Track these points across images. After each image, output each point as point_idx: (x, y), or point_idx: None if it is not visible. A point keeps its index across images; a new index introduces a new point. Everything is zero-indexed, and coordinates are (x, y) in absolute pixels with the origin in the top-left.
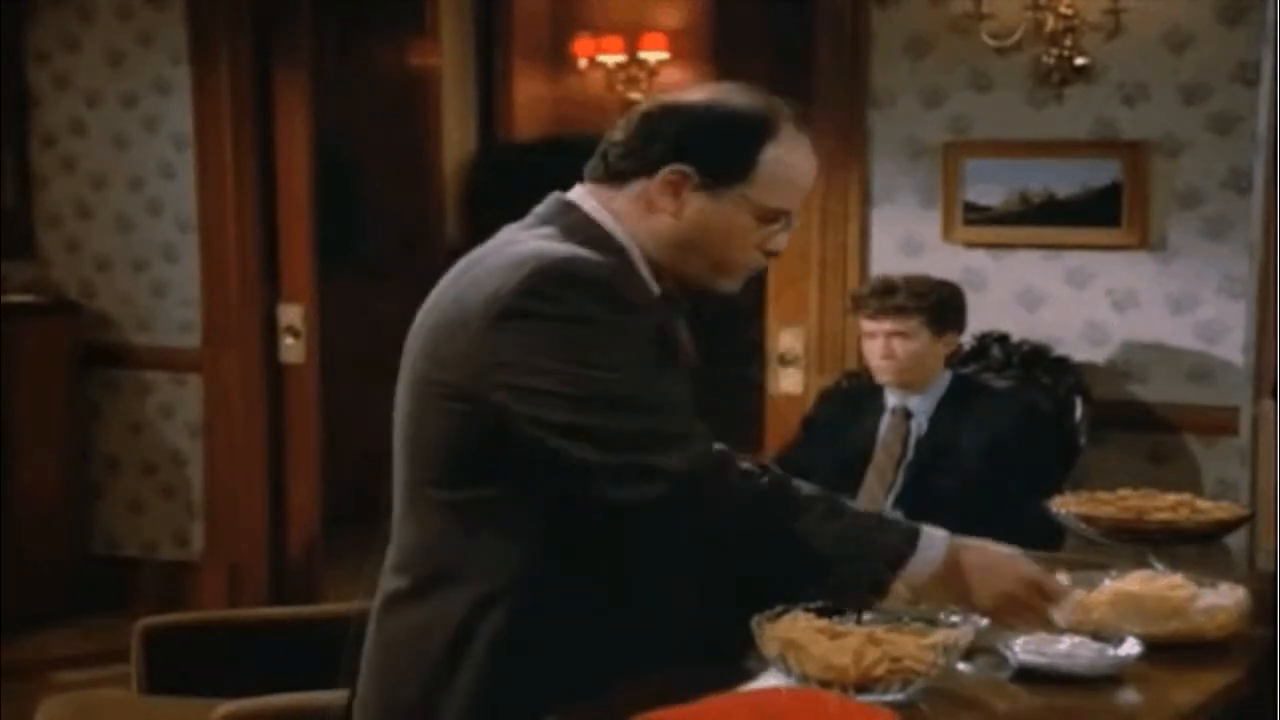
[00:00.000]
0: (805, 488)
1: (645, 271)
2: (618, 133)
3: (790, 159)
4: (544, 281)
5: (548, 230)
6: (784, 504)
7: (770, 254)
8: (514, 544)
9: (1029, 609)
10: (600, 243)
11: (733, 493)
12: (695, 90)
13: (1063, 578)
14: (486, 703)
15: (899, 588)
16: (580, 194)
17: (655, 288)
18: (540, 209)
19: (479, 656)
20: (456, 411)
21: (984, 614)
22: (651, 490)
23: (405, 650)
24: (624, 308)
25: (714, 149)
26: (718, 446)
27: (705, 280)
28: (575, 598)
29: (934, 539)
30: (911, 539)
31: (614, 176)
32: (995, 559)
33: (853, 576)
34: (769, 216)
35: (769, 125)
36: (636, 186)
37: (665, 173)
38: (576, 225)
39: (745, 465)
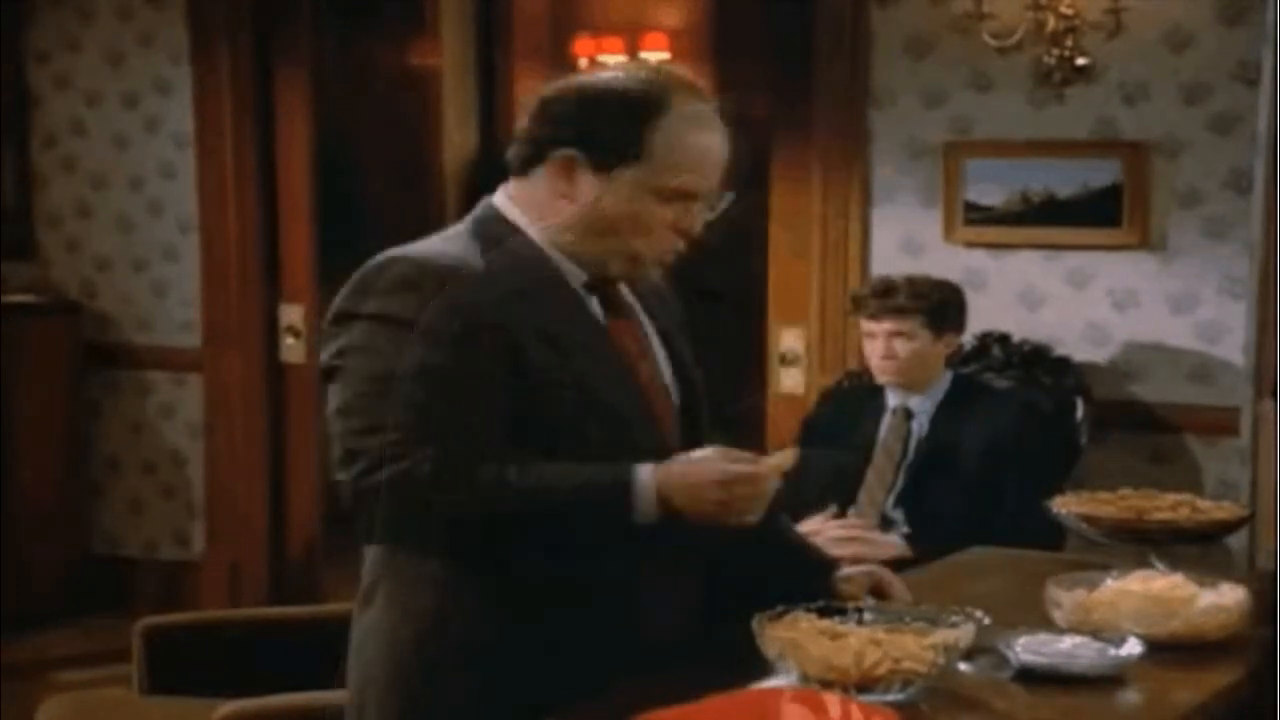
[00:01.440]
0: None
1: (564, 263)
2: (522, 122)
3: (685, 136)
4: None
5: (475, 244)
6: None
7: (685, 235)
8: (485, 548)
9: (739, 502)
10: (506, 241)
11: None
12: (591, 71)
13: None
14: (451, 699)
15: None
16: (500, 190)
17: (577, 277)
18: (475, 211)
19: (445, 654)
20: None
21: (710, 519)
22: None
23: (375, 641)
24: (471, 321)
25: (600, 129)
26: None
27: (625, 267)
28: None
29: (642, 473)
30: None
31: (521, 166)
32: (688, 471)
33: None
34: (669, 197)
35: (658, 102)
36: (539, 174)
37: (554, 157)
38: (489, 226)
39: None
